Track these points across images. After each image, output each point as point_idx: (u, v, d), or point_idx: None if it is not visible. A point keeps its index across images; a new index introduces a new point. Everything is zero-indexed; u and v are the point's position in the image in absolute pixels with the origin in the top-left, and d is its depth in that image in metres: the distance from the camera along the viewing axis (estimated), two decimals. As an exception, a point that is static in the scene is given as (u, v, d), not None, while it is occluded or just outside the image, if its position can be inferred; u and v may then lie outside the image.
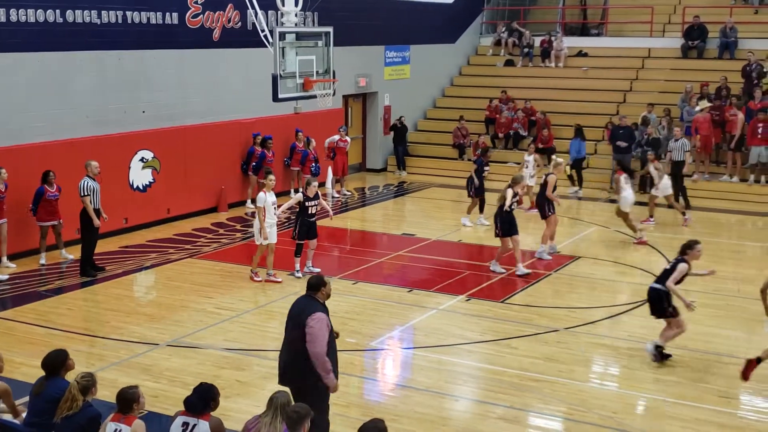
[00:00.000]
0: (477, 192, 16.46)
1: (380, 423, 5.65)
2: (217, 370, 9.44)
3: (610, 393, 9.21)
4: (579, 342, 10.53)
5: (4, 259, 13.35)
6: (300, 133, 18.67)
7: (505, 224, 13.22)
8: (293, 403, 6.13)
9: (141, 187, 15.94)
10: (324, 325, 6.89)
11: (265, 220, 12.55)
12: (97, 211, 13.02)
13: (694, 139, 19.39)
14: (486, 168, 16.86)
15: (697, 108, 19.93)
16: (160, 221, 16.30)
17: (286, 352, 7.20)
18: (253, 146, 17.58)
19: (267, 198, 12.61)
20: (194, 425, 6.15)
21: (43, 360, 6.96)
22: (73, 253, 13.90)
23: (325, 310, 7.06)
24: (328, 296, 7.22)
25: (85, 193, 12.85)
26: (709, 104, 20.00)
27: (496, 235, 13.41)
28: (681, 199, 17.29)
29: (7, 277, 12.78)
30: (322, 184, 17.14)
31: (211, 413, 6.25)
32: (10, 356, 9.02)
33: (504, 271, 13.35)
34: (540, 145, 20.84)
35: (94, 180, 13.03)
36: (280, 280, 12.78)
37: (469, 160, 20.35)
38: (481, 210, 16.64)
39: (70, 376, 6.81)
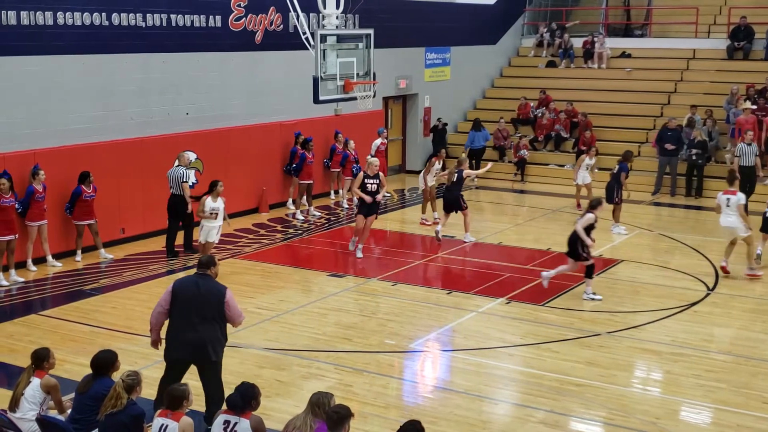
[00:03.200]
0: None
1: (418, 424, 5.64)
2: (257, 369, 9.51)
3: (652, 398, 9.09)
4: (621, 346, 10.42)
5: (50, 258, 13.60)
6: (339, 135, 18.72)
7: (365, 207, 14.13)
8: (326, 401, 6.09)
9: (184, 188, 16.11)
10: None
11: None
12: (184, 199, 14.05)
13: (737, 140, 19.06)
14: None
15: (740, 109, 19.61)
16: (202, 222, 16.44)
17: (195, 331, 7.51)
18: (296, 146, 17.65)
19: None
20: (235, 423, 6.23)
21: (93, 359, 7.06)
22: (113, 253, 14.13)
23: None
24: (216, 276, 7.88)
25: (185, 180, 13.91)
26: (752, 106, 19.66)
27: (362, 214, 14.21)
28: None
29: (8, 283, 12.67)
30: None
31: (253, 412, 6.31)
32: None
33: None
34: (582, 147, 20.63)
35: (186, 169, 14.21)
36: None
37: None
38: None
39: (116, 376, 6.90)
